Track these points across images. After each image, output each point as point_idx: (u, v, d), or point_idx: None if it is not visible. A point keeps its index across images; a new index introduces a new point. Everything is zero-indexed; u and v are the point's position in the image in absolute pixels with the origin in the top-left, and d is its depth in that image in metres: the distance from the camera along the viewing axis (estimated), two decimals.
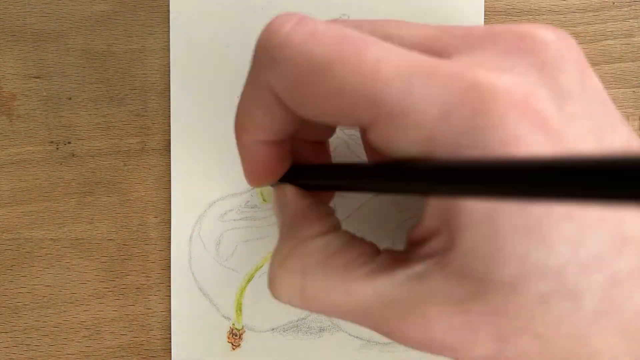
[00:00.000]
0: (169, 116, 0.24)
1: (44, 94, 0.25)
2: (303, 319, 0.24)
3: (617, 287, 0.15)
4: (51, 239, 0.25)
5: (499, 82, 0.14)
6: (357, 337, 0.24)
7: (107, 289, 0.25)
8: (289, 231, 0.18)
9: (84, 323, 0.25)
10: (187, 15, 0.24)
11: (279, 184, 0.20)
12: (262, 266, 0.24)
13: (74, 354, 0.25)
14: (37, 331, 0.25)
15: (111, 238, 0.25)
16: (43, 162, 0.25)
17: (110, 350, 0.25)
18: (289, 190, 0.19)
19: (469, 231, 0.15)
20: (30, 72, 0.25)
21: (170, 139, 0.24)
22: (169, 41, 0.24)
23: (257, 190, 0.24)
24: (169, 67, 0.24)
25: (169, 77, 0.24)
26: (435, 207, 0.16)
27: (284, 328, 0.24)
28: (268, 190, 0.25)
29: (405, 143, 0.15)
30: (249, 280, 0.24)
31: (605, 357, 0.15)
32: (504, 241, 0.14)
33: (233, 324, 0.24)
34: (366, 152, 0.22)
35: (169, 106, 0.24)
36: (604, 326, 0.15)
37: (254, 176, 0.20)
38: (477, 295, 0.15)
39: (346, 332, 0.24)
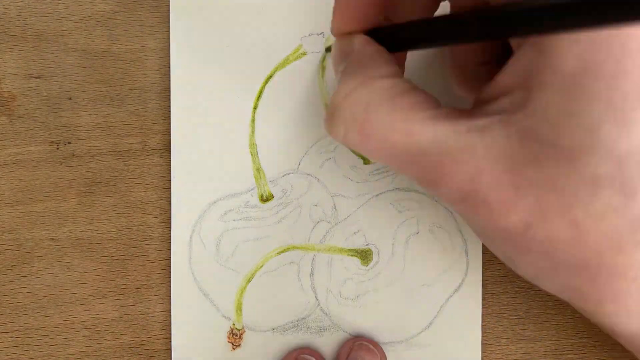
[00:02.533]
0: (169, 116, 0.24)
1: (44, 94, 0.25)
2: (303, 318, 0.24)
3: None
4: (51, 239, 0.25)
5: None
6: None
7: (108, 289, 0.25)
8: (354, 71, 0.18)
9: (84, 323, 0.25)
10: (187, 15, 0.24)
11: (349, 37, 0.19)
12: (262, 266, 0.24)
13: (74, 354, 0.25)
14: (38, 331, 0.25)
15: (111, 238, 0.25)
16: (43, 162, 0.25)
17: (111, 350, 0.25)
18: (358, 37, 0.19)
19: (548, 89, 0.14)
20: (30, 72, 0.25)
21: (170, 139, 0.24)
22: (169, 41, 0.24)
23: (257, 190, 0.25)
24: (169, 67, 0.24)
25: (169, 77, 0.24)
26: (516, 63, 0.15)
27: (284, 328, 0.24)
28: (268, 190, 0.25)
29: None
30: (249, 280, 0.24)
31: (631, 274, 0.15)
32: (580, 106, 0.14)
33: (233, 324, 0.24)
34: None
35: (169, 106, 0.24)
36: None
37: (344, 14, 0.19)
38: (533, 160, 0.15)
39: (346, 332, 0.24)
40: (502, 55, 0.19)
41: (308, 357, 0.23)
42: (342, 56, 0.19)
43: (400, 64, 0.22)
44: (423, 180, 0.17)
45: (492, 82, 0.16)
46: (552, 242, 0.15)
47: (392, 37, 0.19)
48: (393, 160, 0.17)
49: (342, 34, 0.19)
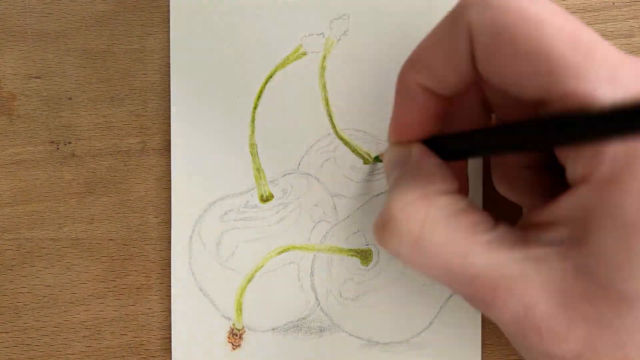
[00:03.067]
0: (169, 116, 0.24)
1: (44, 94, 0.25)
2: (303, 319, 0.24)
3: None
4: (51, 239, 0.25)
5: None
6: (357, 337, 0.24)
7: (108, 289, 0.25)
8: (411, 182, 0.18)
9: (84, 323, 0.25)
10: (187, 15, 0.24)
11: (406, 145, 0.19)
12: (262, 266, 0.24)
13: (74, 354, 0.25)
14: (38, 331, 0.25)
15: (111, 238, 0.25)
16: (43, 162, 0.25)
17: (111, 350, 0.25)
18: (416, 148, 0.19)
19: (608, 233, 0.15)
20: (30, 72, 0.25)
21: (170, 139, 0.24)
22: (169, 41, 0.24)
23: (257, 190, 0.24)
24: (169, 67, 0.24)
25: (169, 77, 0.24)
26: (574, 198, 0.16)
27: (284, 328, 0.24)
28: (268, 190, 0.25)
29: None
30: (249, 280, 0.24)
31: None
32: (638, 256, 0.14)
33: (233, 324, 0.24)
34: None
35: (169, 106, 0.24)
36: None
37: (401, 125, 0.19)
38: (588, 297, 0.15)
39: (346, 332, 0.24)
40: (548, 160, 0.20)
41: None
42: (397, 164, 0.19)
43: (461, 178, 0.22)
44: (475, 300, 0.17)
45: (547, 207, 0.17)
46: None
47: (449, 145, 0.19)
48: (446, 280, 0.17)
49: (398, 141, 0.20)
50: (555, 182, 0.18)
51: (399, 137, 0.19)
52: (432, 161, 0.18)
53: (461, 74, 0.17)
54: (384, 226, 0.17)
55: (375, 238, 0.18)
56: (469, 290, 0.17)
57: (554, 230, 0.16)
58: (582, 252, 0.15)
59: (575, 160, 0.16)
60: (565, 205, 0.16)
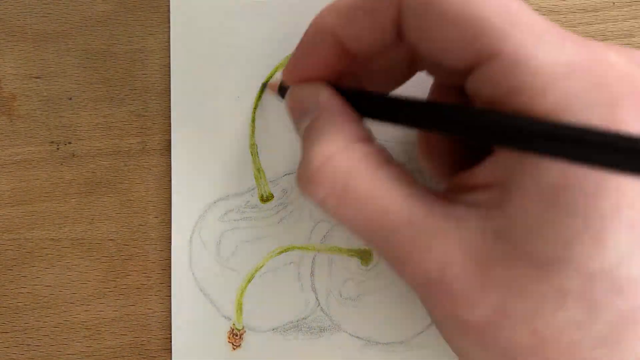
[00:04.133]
0: (169, 116, 0.24)
1: (45, 94, 0.25)
2: (303, 319, 0.24)
3: (631, 326, 0.14)
4: (51, 239, 0.25)
5: (625, 66, 0.14)
6: (357, 337, 0.24)
7: (108, 289, 0.25)
8: (331, 130, 0.17)
9: (84, 323, 0.25)
10: (187, 15, 0.24)
11: (311, 85, 0.18)
12: (262, 266, 0.24)
13: (74, 354, 0.25)
14: (38, 331, 0.25)
15: (111, 238, 0.25)
16: (43, 162, 0.25)
17: (111, 350, 0.25)
18: (324, 89, 0.18)
19: (527, 197, 0.14)
20: (30, 72, 0.25)
21: (170, 139, 0.24)
22: (169, 41, 0.24)
23: (258, 190, 0.25)
24: (169, 67, 0.24)
25: (169, 77, 0.24)
26: (497, 162, 0.15)
27: (284, 328, 0.24)
28: (268, 190, 0.25)
29: (514, 86, 0.14)
30: (249, 280, 0.24)
31: None
32: (557, 218, 0.14)
33: (233, 324, 0.24)
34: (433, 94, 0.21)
35: (169, 106, 0.24)
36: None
37: (302, 66, 0.18)
38: (504, 260, 0.15)
39: (346, 332, 0.24)
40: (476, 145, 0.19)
41: None
42: (303, 108, 0.18)
43: None
44: (390, 258, 0.17)
45: (470, 171, 0.16)
46: (512, 345, 0.15)
47: (359, 102, 0.18)
48: (364, 234, 0.17)
49: (300, 80, 0.19)
50: (479, 155, 0.18)
51: (302, 73, 0.19)
52: (342, 105, 0.18)
53: (382, 36, 0.17)
54: (309, 177, 0.17)
55: (299, 188, 0.18)
56: (387, 246, 0.16)
57: (475, 192, 0.16)
58: (502, 215, 0.15)
59: None
60: (488, 168, 0.16)
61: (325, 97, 0.18)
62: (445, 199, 0.16)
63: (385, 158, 0.17)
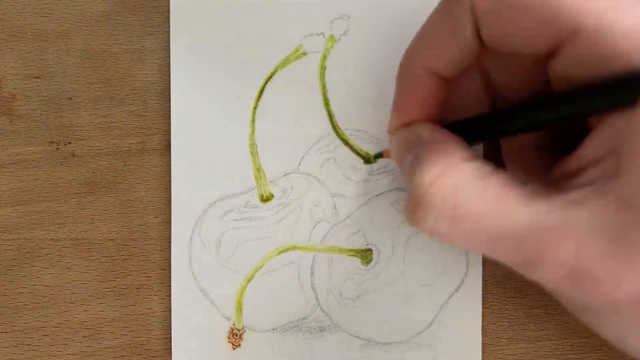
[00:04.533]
0: (169, 116, 0.24)
1: (44, 94, 0.25)
2: (303, 319, 0.24)
3: None
4: (51, 239, 0.25)
5: None
6: (357, 337, 0.24)
7: (108, 289, 0.25)
8: (432, 158, 0.17)
9: (84, 323, 0.25)
10: (187, 15, 0.24)
11: (413, 126, 0.19)
12: (262, 266, 0.24)
13: (74, 354, 0.25)
14: (38, 331, 0.25)
15: (111, 238, 0.25)
16: (43, 162, 0.25)
17: (111, 350, 0.25)
18: (423, 125, 0.19)
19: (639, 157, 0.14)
20: (30, 72, 0.25)
21: (170, 139, 0.24)
22: (169, 41, 0.24)
23: (257, 190, 0.24)
24: (169, 67, 0.24)
25: (169, 77, 0.24)
26: (601, 135, 0.15)
27: (284, 328, 0.24)
28: (268, 190, 0.25)
29: (604, 54, 0.15)
30: (249, 280, 0.24)
31: None
32: None
33: (233, 324, 0.24)
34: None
35: (169, 106, 0.24)
36: None
37: (405, 108, 0.19)
38: (636, 227, 0.14)
39: (346, 332, 0.24)
40: (556, 138, 0.20)
41: None
42: (407, 147, 0.19)
43: None
44: (522, 263, 0.16)
45: (573, 155, 0.16)
46: None
47: (459, 131, 0.19)
48: (489, 246, 0.17)
49: (402, 125, 0.20)
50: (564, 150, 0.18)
51: (403, 120, 0.19)
52: (445, 134, 0.18)
53: (466, 47, 0.17)
54: (416, 205, 0.17)
55: (409, 220, 0.18)
56: (515, 252, 0.16)
57: (586, 172, 0.16)
58: (620, 182, 0.15)
59: None
60: (593, 145, 0.16)
61: (427, 129, 0.19)
62: (559, 190, 0.16)
63: (491, 170, 0.17)
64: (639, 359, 0.17)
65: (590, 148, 0.16)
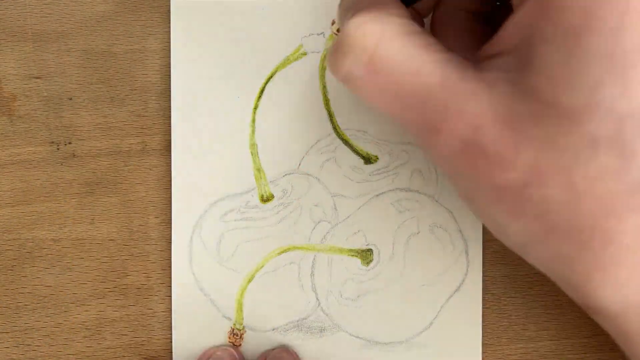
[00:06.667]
0: (169, 116, 0.24)
1: (45, 94, 0.25)
2: (303, 319, 0.25)
3: None
4: (52, 239, 0.25)
5: None
6: (357, 337, 0.24)
7: (108, 289, 0.25)
8: (366, 8, 0.17)
9: (84, 323, 0.25)
10: (187, 15, 0.24)
11: None
12: (262, 266, 0.25)
13: (74, 354, 0.25)
14: (38, 331, 0.25)
15: (112, 238, 0.25)
16: (44, 162, 0.25)
17: (111, 350, 0.25)
18: None
19: (550, 45, 0.14)
20: (30, 73, 0.25)
21: (170, 139, 0.24)
22: (169, 41, 0.24)
23: (258, 190, 0.25)
24: (169, 67, 0.24)
25: (169, 77, 0.24)
26: (519, 19, 0.15)
27: (284, 328, 0.24)
28: (268, 190, 0.25)
29: None
30: (249, 280, 0.24)
31: (625, 241, 0.15)
32: (581, 63, 0.14)
33: (234, 324, 0.24)
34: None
35: (169, 106, 0.24)
36: None
37: None
38: (535, 118, 0.14)
39: (346, 332, 0.24)
40: (491, 13, 0.19)
41: (220, 355, 0.23)
42: (352, 3, 0.19)
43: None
44: (423, 127, 0.16)
45: (495, 38, 0.16)
46: (547, 204, 0.15)
47: None
48: (395, 102, 0.17)
49: None
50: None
51: None
52: None
53: None
54: (337, 47, 0.17)
55: (328, 64, 0.17)
56: (419, 113, 0.16)
57: (502, 57, 0.16)
58: (530, 73, 0.15)
59: None
60: (510, 30, 0.16)
61: None
62: (477, 65, 0.16)
63: (419, 29, 0.17)
64: (514, 250, 0.17)
65: (509, 32, 0.16)
